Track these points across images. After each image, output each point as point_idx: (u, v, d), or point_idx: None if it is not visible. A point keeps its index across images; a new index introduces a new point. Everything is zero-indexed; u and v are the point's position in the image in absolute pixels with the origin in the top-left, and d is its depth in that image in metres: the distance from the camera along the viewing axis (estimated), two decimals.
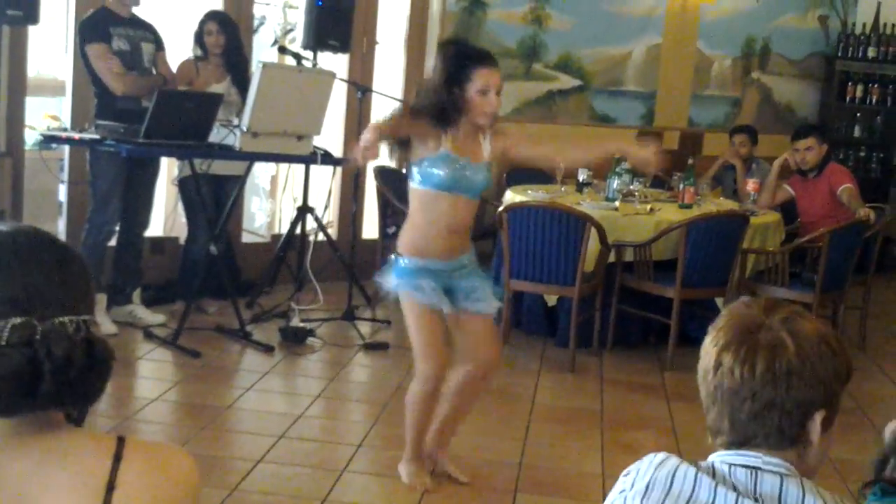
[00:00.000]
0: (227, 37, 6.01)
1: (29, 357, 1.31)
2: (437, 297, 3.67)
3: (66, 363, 1.32)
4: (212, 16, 6.08)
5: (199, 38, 6.03)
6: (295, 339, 5.74)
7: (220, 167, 5.96)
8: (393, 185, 6.75)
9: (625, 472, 1.70)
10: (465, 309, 3.77)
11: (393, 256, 3.76)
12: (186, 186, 6.02)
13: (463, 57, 3.59)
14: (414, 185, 3.70)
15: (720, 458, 1.62)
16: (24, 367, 1.30)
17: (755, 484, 1.56)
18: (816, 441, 1.59)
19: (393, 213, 6.71)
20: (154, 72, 5.81)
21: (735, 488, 1.56)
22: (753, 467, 1.58)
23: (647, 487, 1.61)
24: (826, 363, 1.56)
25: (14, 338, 1.31)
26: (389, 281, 3.72)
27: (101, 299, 5.64)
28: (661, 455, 1.66)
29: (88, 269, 1.47)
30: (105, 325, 5.56)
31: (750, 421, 1.57)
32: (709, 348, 1.62)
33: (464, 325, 3.81)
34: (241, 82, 5.96)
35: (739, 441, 1.60)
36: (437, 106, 3.58)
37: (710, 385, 1.61)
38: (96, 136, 5.35)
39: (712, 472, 1.59)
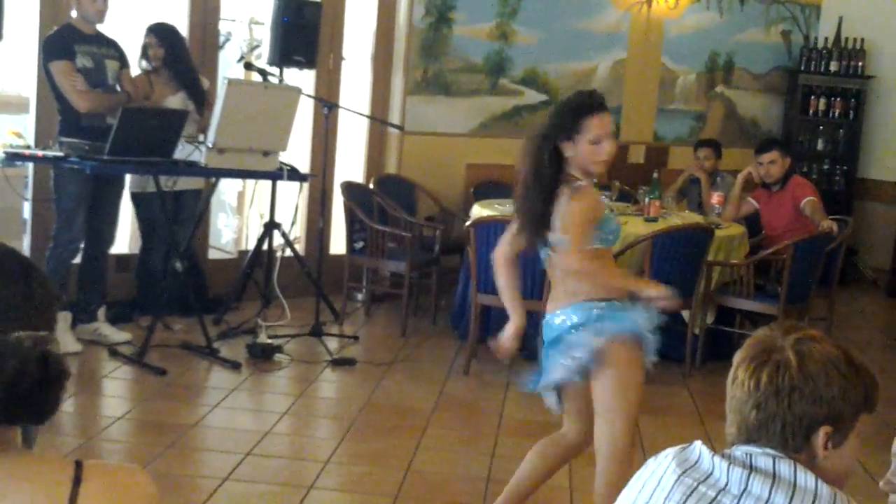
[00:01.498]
0: (166, 48, 5.98)
1: None
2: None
3: (18, 377, 1.31)
4: (150, 29, 6.04)
5: (145, 52, 6.02)
6: (262, 356, 5.71)
7: (178, 181, 5.93)
8: (360, 200, 6.75)
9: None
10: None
11: (590, 310, 3.47)
12: (141, 200, 5.99)
13: (573, 108, 3.43)
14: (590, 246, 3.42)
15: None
16: None
17: (750, 459, 1.71)
18: (821, 455, 1.71)
19: (360, 228, 6.70)
20: (118, 89, 5.79)
21: (730, 457, 1.73)
22: (751, 452, 1.73)
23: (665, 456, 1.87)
24: (832, 384, 1.69)
25: None
26: (594, 332, 3.39)
27: (66, 317, 5.58)
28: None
29: (50, 284, 1.47)
30: (69, 343, 5.44)
31: (756, 429, 1.73)
32: (733, 365, 1.79)
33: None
34: (194, 94, 5.96)
35: (745, 441, 1.75)
36: (546, 167, 3.36)
37: (728, 396, 1.78)
38: (60, 154, 5.31)
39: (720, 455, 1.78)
